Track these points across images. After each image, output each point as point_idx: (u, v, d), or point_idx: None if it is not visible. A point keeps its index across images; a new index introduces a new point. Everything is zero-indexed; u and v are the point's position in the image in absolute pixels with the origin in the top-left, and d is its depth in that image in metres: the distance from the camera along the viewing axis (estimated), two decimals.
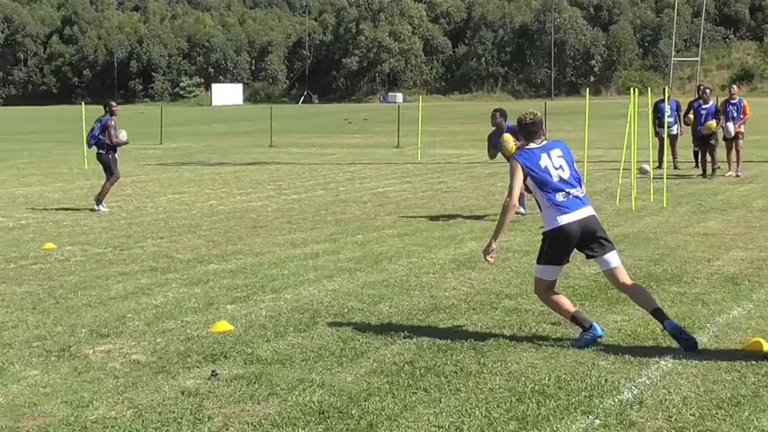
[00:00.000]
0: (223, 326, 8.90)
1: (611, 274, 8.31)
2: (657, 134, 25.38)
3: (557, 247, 8.19)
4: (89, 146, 19.89)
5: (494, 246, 8.33)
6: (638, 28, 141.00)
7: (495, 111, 17.38)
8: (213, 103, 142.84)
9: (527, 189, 8.49)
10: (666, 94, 25.24)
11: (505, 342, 8.29)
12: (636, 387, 7.03)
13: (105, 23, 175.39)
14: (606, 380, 7.19)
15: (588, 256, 8.38)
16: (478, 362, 7.70)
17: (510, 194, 8.26)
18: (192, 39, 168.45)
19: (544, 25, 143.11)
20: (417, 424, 6.31)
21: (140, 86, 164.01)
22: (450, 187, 22.97)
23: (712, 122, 23.43)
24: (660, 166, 23.04)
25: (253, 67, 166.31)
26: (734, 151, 24.24)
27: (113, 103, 20.00)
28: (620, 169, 20.40)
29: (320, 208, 18.95)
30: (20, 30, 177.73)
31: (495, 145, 16.70)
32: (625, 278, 8.30)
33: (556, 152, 8.34)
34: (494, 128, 17.19)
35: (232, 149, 40.85)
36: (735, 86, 26.44)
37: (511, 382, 7.18)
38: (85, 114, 30.79)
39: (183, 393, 6.98)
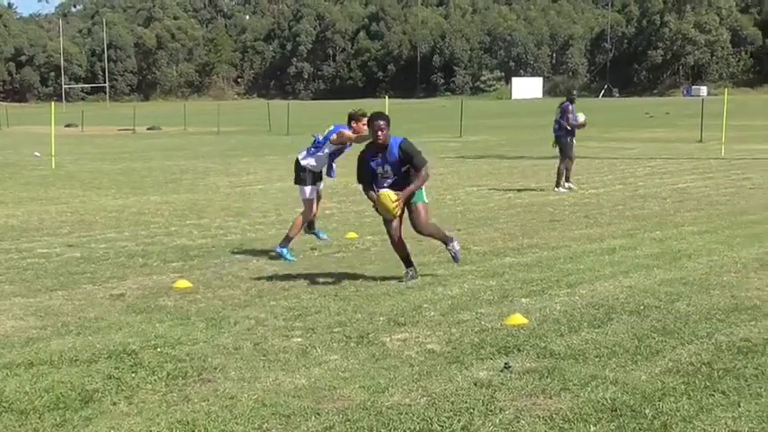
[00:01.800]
0: (517, 319, 8.93)
1: None
2: None
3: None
4: (554, 131, 22.26)
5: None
6: None
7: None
8: (513, 97, 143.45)
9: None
10: None
11: None
12: None
13: (410, 19, 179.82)
14: None
15: None
16: None
17: None
18: (492, 33, 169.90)
19: None
20: (714, 427, 6.12)
21: (442, 80, 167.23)
22: (755, 184, 22.05)
23: None
24: None
25: (553, 61, 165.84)
26: None
27: (575, 92, 23.93)
28: None
29: (618, 203, 18.68)
30: (330, 27, 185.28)
31: None
32: None
33: None
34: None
35: (531, 143, 40.90)
36: None
37: None
38: (389, 107, 31.63)
39: (475, 384, 7.07)
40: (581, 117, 21.92)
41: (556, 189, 21.33)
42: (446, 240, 11.50)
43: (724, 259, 12.15)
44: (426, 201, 11.33)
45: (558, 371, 7.33)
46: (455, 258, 11.56)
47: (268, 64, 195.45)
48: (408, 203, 11.10)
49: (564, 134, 21.87)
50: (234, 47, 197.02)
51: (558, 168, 21.73)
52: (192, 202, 20.27)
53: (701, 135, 39.61)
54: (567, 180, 21.72)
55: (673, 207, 17.87)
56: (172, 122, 69.04)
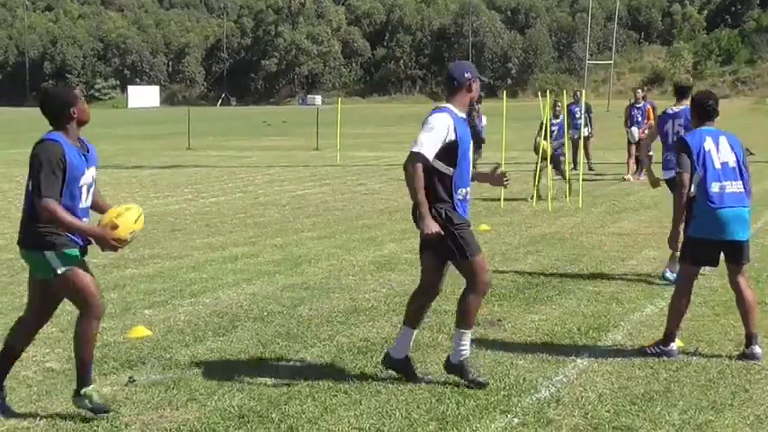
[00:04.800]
0: (140, 331, 8.80)
1: None
2: (571, 136, 23.72)
3: None
4: None
5: None
6: (553, 31, 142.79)
7: None
8: (129, 106, 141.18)
9: None
10: (583, 96, 25.22)
11: (425, 343, 8.34)
12: (553, 385, 7.12)
13: (16, 23, 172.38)
14: (524, 379, 7.27)
15: None
16: None
17: None
18: (106, 40, 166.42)
19: (462, 28, 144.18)
20: (338, 426, 6.31)
21: None
22: (369, 189, 22.98)
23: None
24: (575, 168, 23.22)
25: (170, 69, 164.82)
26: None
27: None
28: (536, 171, 20.51)
29: (239, 211, 18.84)
30: None
31: None
32: None
33: None
34: None
35: (149, 152, 40.47)
36: (640, 91, 26.56)
37: (431, 383, 7.21)
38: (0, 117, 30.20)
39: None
40: None
41: None
42: None
43: (342, 263, 12.58)
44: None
45: (183, 381, 7.29)
46: None
47: None
48: None
49: None
50: None
51: None
52: None
53: (318, 143, 40.78)
54: None
55: (292, 214, 18.27)
56: None
